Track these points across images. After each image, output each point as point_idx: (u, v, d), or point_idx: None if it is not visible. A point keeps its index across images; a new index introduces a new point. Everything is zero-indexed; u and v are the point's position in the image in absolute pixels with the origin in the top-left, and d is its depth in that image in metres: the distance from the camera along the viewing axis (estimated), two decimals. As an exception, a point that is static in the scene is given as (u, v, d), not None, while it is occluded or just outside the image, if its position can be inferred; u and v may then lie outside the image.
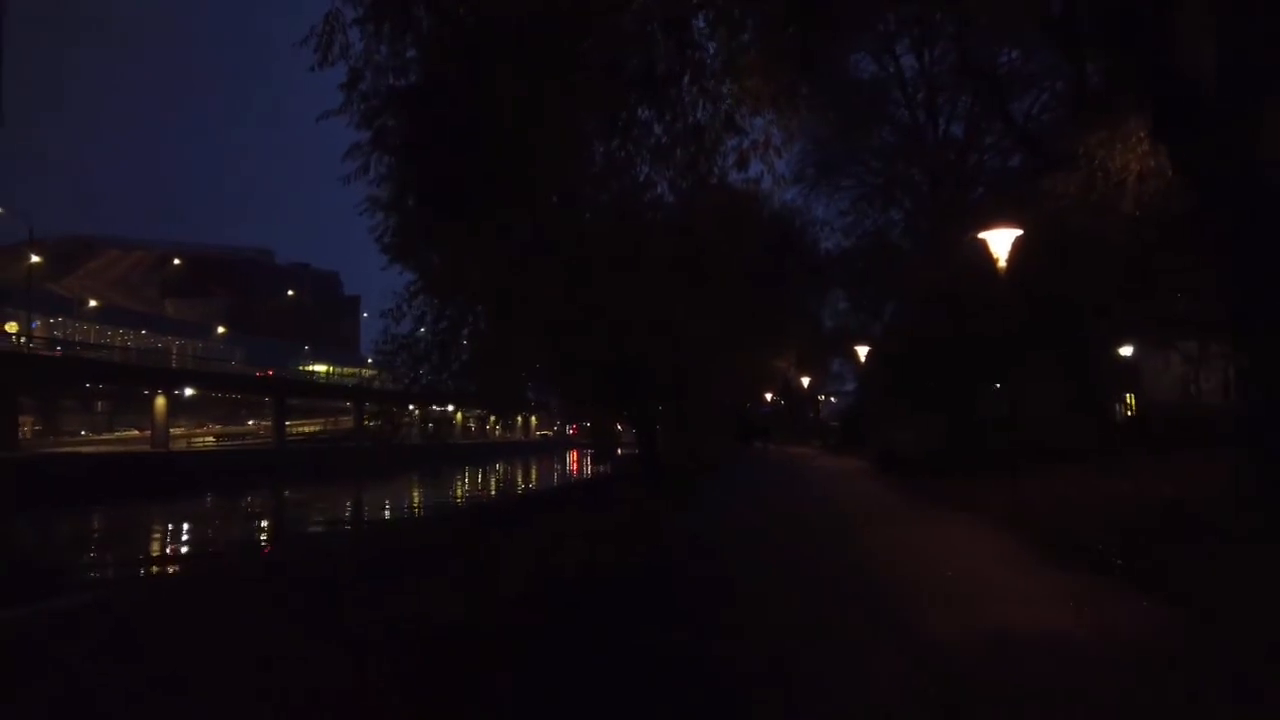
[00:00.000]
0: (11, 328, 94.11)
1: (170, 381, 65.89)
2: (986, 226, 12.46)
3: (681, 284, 17.45)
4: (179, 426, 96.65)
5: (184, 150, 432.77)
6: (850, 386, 57.43)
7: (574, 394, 21.46)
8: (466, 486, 59.69)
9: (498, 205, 11.20)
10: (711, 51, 13.34)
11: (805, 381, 46.34)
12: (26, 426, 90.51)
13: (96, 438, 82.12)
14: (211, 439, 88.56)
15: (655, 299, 15.94)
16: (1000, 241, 11.26)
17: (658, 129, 13.89)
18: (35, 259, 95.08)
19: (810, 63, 15.04)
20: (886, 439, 23.83)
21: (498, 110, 10.53)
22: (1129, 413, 29.63)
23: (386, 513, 43.34)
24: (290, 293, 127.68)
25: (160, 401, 63.77)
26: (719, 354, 22.04)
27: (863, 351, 29.96)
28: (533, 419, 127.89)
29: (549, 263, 13.77)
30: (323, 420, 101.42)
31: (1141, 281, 13.53)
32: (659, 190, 14.63)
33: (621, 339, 15.63)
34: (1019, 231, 11.31)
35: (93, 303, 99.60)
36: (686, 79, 12.72)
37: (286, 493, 51.00)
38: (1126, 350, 25.13)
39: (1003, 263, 11.23)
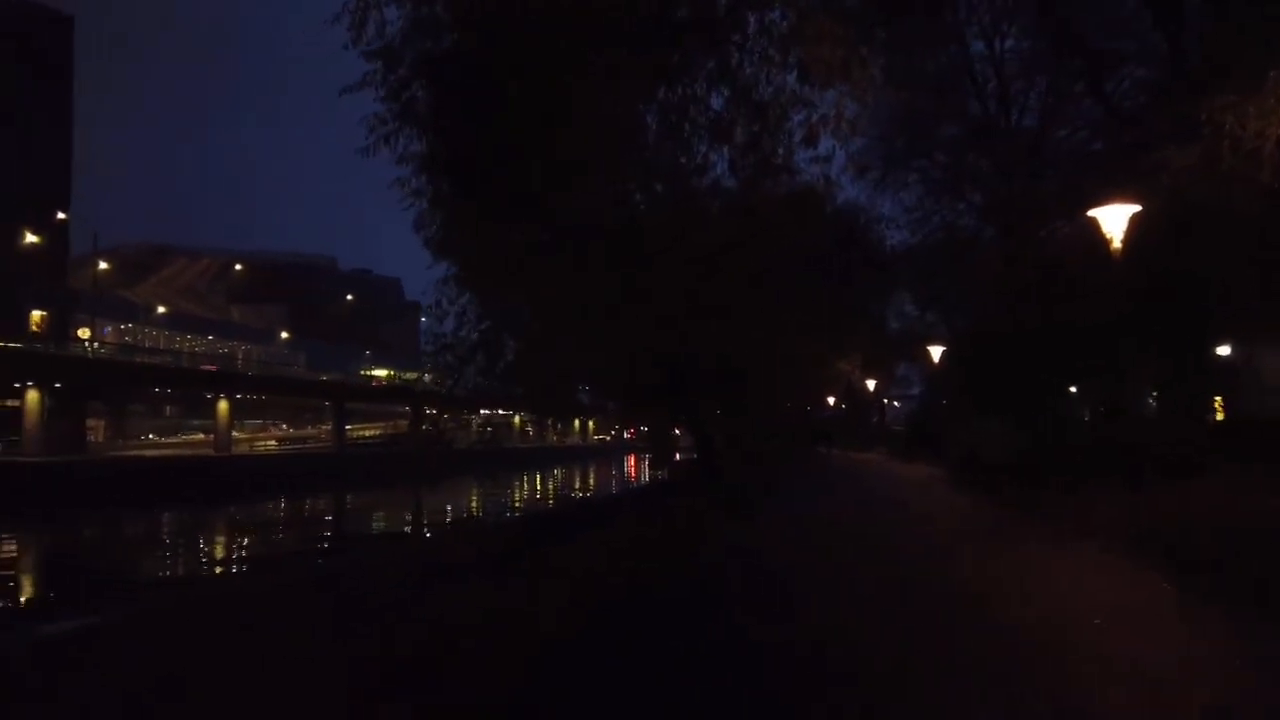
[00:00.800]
0: (83, 333, 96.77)
1: (232, 386, 66.55)
2: (1082, 209, 11.00)
3: (741, 277, 16.07)
4: (244, 430, 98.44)
5: (252, 160, 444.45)
6: (915, 390, 55.44)
7: (626, 395, 20.29)
8: (521, 492, 58.97)
9: (535, 181, 10.06)
10: (777, 16, 12.10)
11: (870, 385, 44.51)
12: (99, 430, 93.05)
13: (162, 441, 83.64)
14: (273, 443, 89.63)
15: (713, 292, 14.60)
16: (1114, 219, 9.77)
17: (716, 103, 12.67)
18: (104, 266, 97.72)
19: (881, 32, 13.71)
20: (962, 444, 22.15)
21: (535, 77, 9.43)
22: (1219, 418, 27.45)
23: (424, 520, 42.64)
24: (349, 297, 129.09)
25: (223, 405, 64.42)
26: (780, 354, 20.59)
27: (935, 351, 28.25)
28: (590, 423, 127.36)
29: (594, 249, 12.56)
30: (382, 424, 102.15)
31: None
32: (717, 171, 13.31)
33: (676, 336, 14.37)
34: (1136, 207, 9.81)
35: (161, 309, 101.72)
36: (748, 44, 11.52)
37: (343, 498, 50.82)
38: (1224, 349, 23.07)
39: (1117, 243, 9.74)
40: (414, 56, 9.95)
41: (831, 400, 52.10)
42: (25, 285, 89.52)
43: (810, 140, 12.54)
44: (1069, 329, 16.66)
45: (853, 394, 50.06)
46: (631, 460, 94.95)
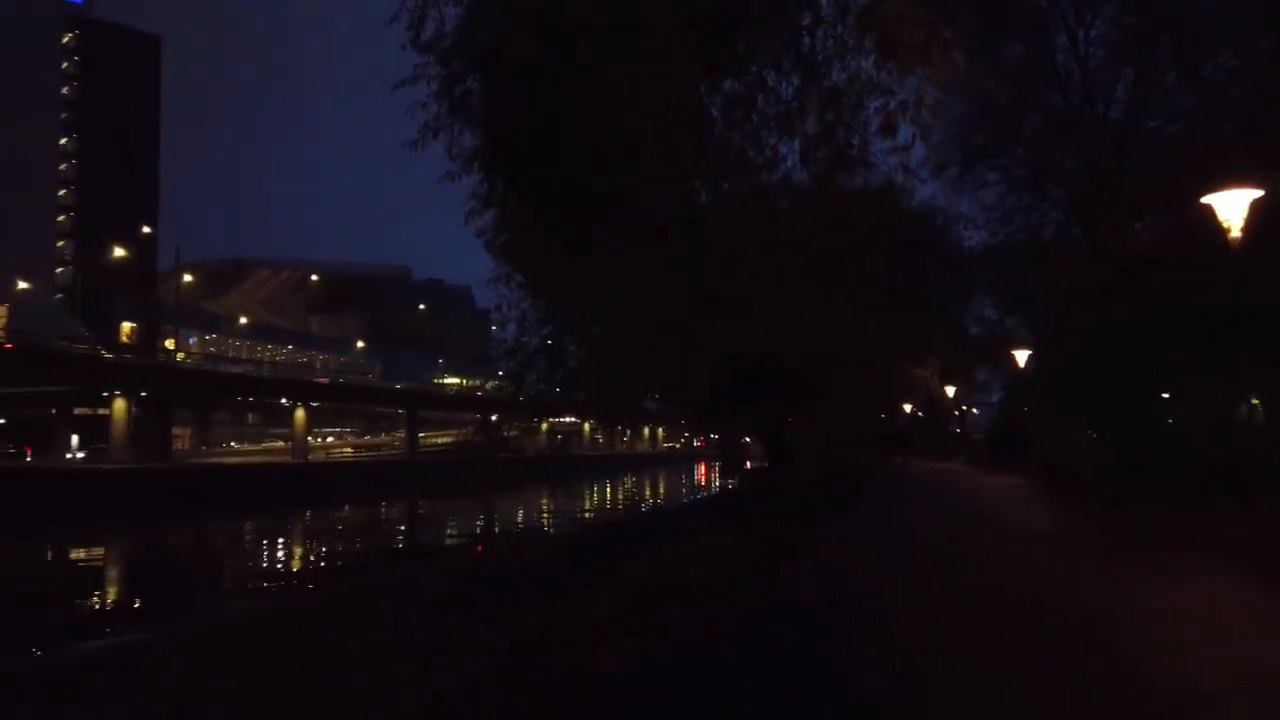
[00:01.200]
0: (169, 344, 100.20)
1: (308, 395, 67.87)
2: (1179, 201, 10.03)
3: (814, 277, 15.27)
4: (321, 438, 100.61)
5: (330, 175, 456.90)
6: (996, 397, 53.42)
7: (693, 402, 19.61)
8: (591, 500, 58.71)
9: (591, 176, 9.52)
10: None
11: (950, 391, 42.97)
12: (185, 438, 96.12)
13: (244, 449, 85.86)
14: (349, 450, 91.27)
15: (783, 293, 13.83)
16: (1232, 205, 8.78)
17: (786, 91, 11.98)
18: (189, 279, 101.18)
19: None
20: (1051, 453, 20.90)
21: (591, 65, 8.91)
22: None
23: (494, 528, 42.52)
24: (421, 306, 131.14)
25: (299, 414, 65.69)
26: (855, 359, 19.66)
27: (1021, 356, 26.93)
28: (659, 430, 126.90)
29: (656, 247, 11.94)
30: (454, 432, 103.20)
31: None
32: (788, 164, 12.56)
33: (744, 339, 13.65)
34: (1257, 192, 8.81)
35: (243, 320, 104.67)
36: (820, 26, 10.84)
37: (409, 504, 51.22)
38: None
39: (1236, 230, 8.74)
40: (468, 48, 9.50)
41: (908, 407, 50.55)
42: (117, 298, 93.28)
43: (888, 129, 11.74)
44: (1168, 328, 15.43)
45: (931, 401, 48.50)
46: (702, 468, 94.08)
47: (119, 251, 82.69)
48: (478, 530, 40.96)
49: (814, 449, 28.66)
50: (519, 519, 45.87)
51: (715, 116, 12.68)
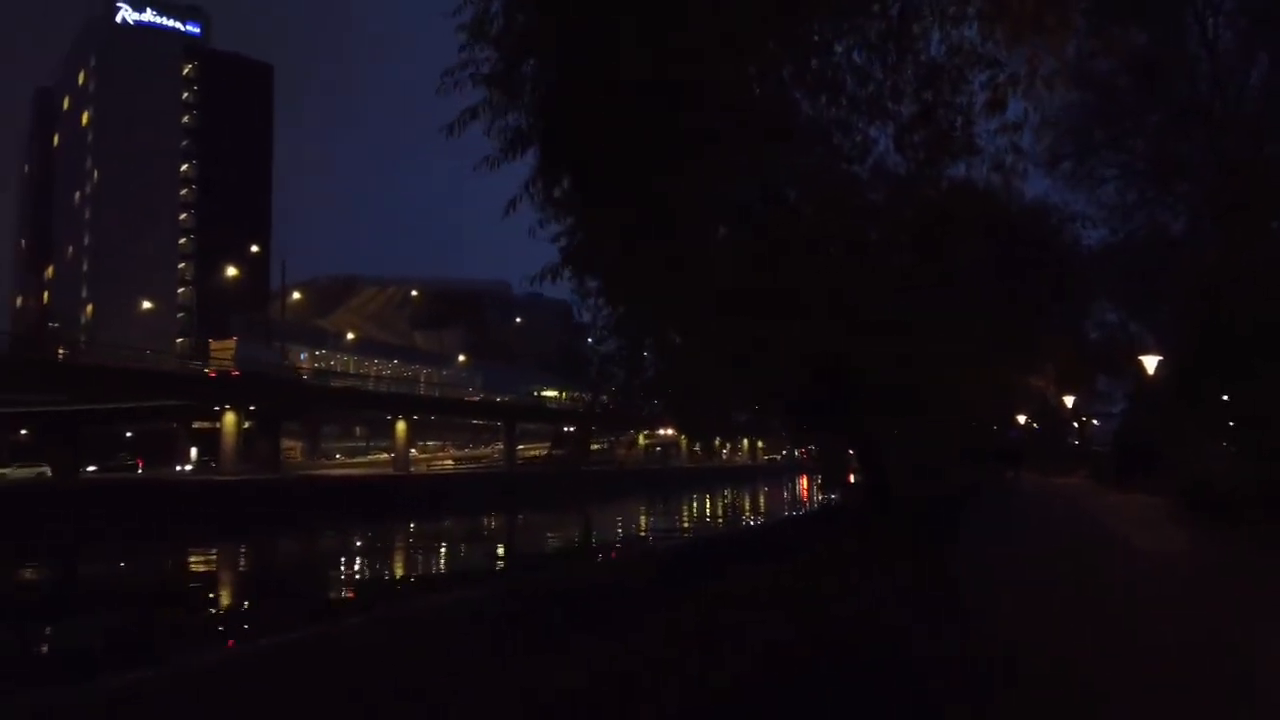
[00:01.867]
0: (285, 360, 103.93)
1: (409, 408, 68.98)
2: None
3: (914, 277, 13.97)
4: (424, 451, 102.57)
5: (434, 194, 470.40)
6: (1118, 407, 50.05)
7: (785, 412, 18.41)
8: (689, 514, 57.64)
9: (665, 168, 8.58)
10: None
11: (1068, 401, 40.29)
12: (296, 451, 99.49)
13: (349, 461, 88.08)
14: (450, 462, 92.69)
15: (879, 294, 12.58)
16: None
17: (877, 71, 10.84)
18: (300, 297, 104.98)
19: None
20: (1189, 469, 18.80)
21: (657, 41, 8.01)
22: None
23: (591, 542, 41.83)
24: (518, 320, 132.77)
25: (400, 426, 66.78)
26: (962, 366, 18.04)
27: (1150, 362, 24.70)
28: (758, 442, 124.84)
29: (736, 245, 10.92)
30: (552, 444, 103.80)
31: None
32: (880, 148, 11.39)
33: (836, 343, 12.45)
34: None
35: (350, 336, 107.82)
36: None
37: (513, 517, 51.15)
38: None
39: None
40: (521, 30, 8.68)
41: (1022, 419, 47.80)
42: (232, 317, 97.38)
43: (996, 105, 10.48)
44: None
45: (1047, 411, 45.69)
46: (803, 481, 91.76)
47: (234, 272, 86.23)
48: (565, 545, 40.44)
49: (917, 463, 26.97)
50: (606, 534, 45.15)
51: (799, 100, 11.60)
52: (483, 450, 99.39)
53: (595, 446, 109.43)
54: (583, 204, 9.99)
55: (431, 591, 23.66)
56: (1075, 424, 48.47)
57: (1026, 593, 9.36)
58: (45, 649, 18.26)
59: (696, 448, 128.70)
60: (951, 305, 14.43)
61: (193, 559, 33.35)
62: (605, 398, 15.29)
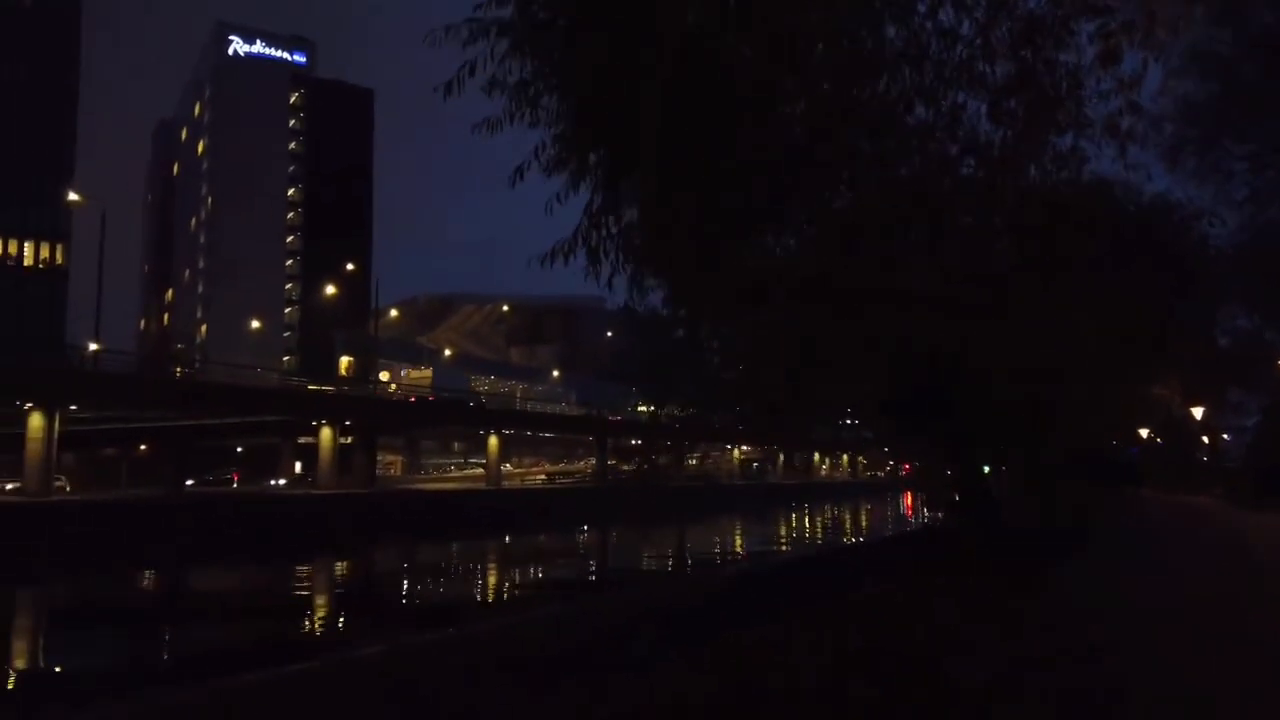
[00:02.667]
0: (384, 376, 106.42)
1: (500, 422, 69.14)
2: None
3: (1017, 270, 12.38)
4: (520, 465, 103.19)
5: (529, 211, 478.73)
6: (1253, 420, 45.99)
7: (879, 422, 16.90)
8: (785, 530, 55.73)
9: (722, 148, 7.44)
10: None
11: (1196, 413, 36.96)
12: (397, 465, 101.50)
13: (444, 475, 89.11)
14: (543, 476, 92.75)
15: (977, 288, 11.06)
16: None
17: (966, 30, 9.38)
18: (400, 315, 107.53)
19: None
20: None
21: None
22: None
23: (686, 558, 40.48)
24: (609, 334, 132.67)
25: (493, 441, 66.88)
26: (1076, 372, 16.12)
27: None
28: (860, 458, 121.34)
29: (806, 235, 9.62)
30: (651, 459, 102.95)
31: None
32: (968, 112, 9.89)
33: (931, 344, 10.98)
34: None
35: (447, 352, 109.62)
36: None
37: (604, 531, 50.32)
38: None
39: None
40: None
41: (1145, 432, 44.30)
42: (335, 335, 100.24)
43: (1109, 58, 8.87)
44: None
45: (1172, 425, 42.19)
46: (907, 499, 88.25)
47: (338, 291, 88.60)
48: (664, 560, 39.25)
49: (1027, 480, 24.84)
50: (693, 551, 43.75)
51: (878, 66, 10.22)
52: (576, 465, 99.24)
53: (691, 461, 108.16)
54: (649, 186, 8.72)
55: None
56: (1204, 438, 44.64)
57: (1165, 620, 7.56)
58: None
59: (794, 463, 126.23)
60: (1060, 299, 12.71)
61: (278, 573, 33.57)
62: (677, 410, 14.17)
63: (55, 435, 42.04)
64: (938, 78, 9.75)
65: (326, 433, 56.15)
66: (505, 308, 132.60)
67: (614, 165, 7.80)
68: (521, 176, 7.20)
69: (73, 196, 71.25)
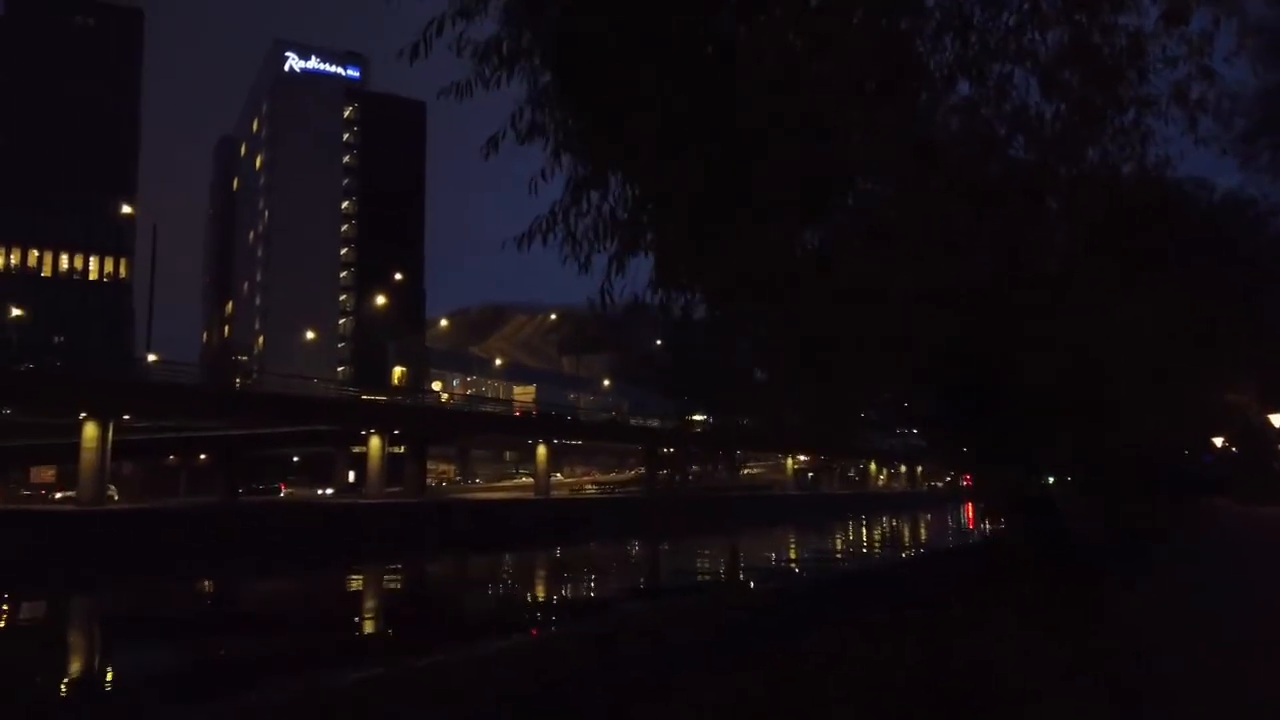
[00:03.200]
0: (436, 385, 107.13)
1: (548, 431, 68.73)
2: None
3: (1087, 266, 11.38)
4: (573, 474, 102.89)
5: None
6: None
7: (924, 426, 15.84)
8: (840, 542, 54.26)
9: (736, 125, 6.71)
10: None
11: (1276, 421, 34.81)
12: (449, 474, 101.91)
13: (494, 485, 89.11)
14: (592, 487, 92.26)
15: (1025, 276, 10.13)
16: None
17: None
18: (452, 325, 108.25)
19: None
20: None
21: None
22: None
23: (738, 571, 39.41)
24: (658, 343, 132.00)
25: (541, 450, 66.50)
26: (1142, 376, 14.88)
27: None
28: (918, 467, 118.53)
29: (835, 221, 8.78)
30: (697, 468, 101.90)
31: None
32: (1017, 94, 8.97)
33: (978, 338, 10.05)
34: None
35: (498, 361, 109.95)
36: None
37: (653, 542, 49.48)
38: None
39: None
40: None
41: (1220, 441, 42.04)
42: (388, 346, 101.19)
43: (1174, 17, 7.91)
44: None
45: (1249, 432, 39.91)
46: (969, 509, 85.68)
47: (391, 302, 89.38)
48: (711, 573, 38.28)
49: (1092, 489, 23.44)
50: (731, 564, 42.66)
51: (915, 39, 9.32)
52: (627, 474, 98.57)
53: (747, 471, 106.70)
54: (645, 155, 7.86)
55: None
56: (1286, 446, 42.20)
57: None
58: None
59: (851, 473, 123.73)
60: (1121, 295, 11.58)
61: (325, 581, 33.47)
62: (704, 416, 13.31)
63: (109, 445, 42.66)
64: (983, 49, 8.84)
65: (375, 442, 56.29)
66: (554, 317, 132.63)
67: (601, 131, 7.00)
68: (496, 147, 6.45)
69: (125, 209, 72.90)
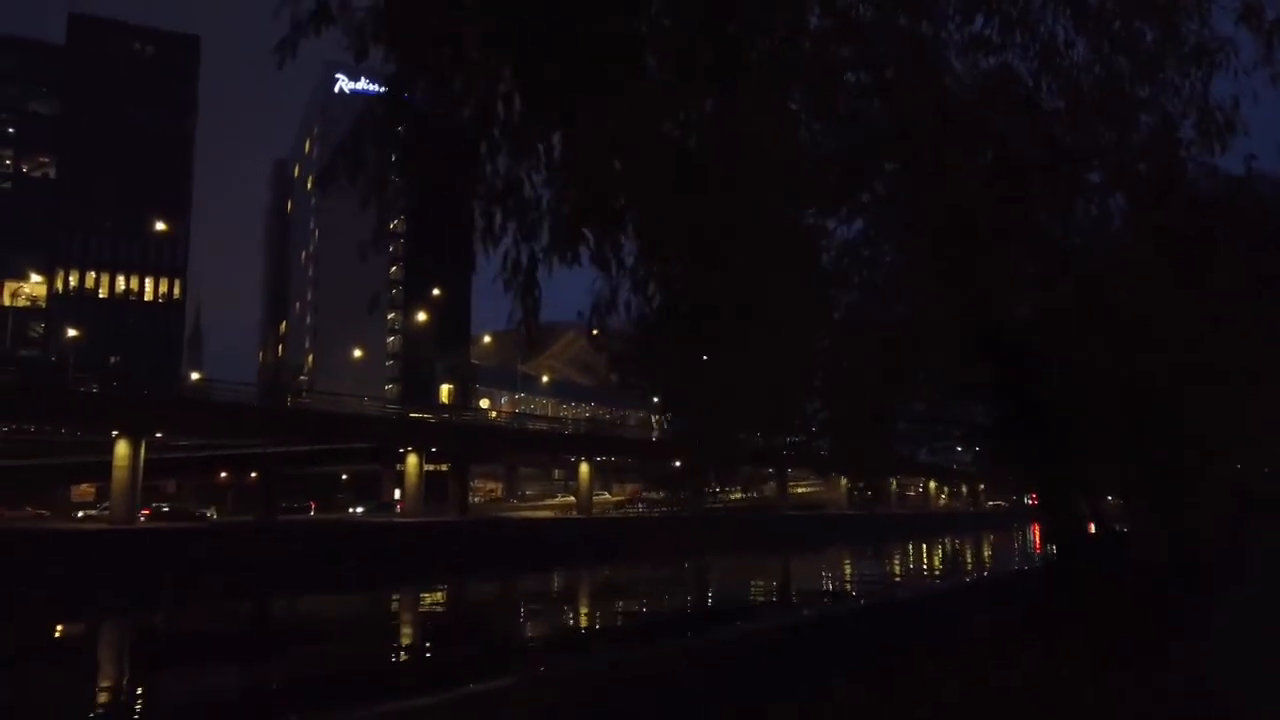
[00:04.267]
0: (484, 403, 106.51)
1: (590, 449, 67.27)
2: None
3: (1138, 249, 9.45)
4: (622, 492, 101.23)
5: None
6: None
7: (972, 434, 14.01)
8: (900, 564, 51.87)
9: None
10: None
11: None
12: (497, 491, 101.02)
13: (537, 503, 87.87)
14: (639, 505, 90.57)
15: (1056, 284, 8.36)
16: None
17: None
18: (499, 343, 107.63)
19: None
20: None
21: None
22: None
23: (790, 593, 37.38)
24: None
25: (584, 468, 65.16)
26: (1222, 380, 12.76)
27: None
28: (980, 485, 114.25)
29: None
30: (747, 487, 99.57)
31: None
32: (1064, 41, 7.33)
33: (1018, 342, 8.34)
34: None
35: (545, 379, 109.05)
36: None
37: (700, 562, 47.70)
38: None
39: None
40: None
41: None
42: (436, 363, 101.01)
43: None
44: None
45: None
46: (1035, 531, 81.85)
47: (438, 320, 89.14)
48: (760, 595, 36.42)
49: (1160, 507, 21.03)
50: (823, 582, 40.66)
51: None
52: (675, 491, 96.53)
53: (802, 490, 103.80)
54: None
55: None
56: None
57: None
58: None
59: (908, 492, 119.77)
60: (1189, 296, 9.56)
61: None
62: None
63: (140, 463, 42.30)
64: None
65: (413, 459, 55.43)
66: (595, 333, 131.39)
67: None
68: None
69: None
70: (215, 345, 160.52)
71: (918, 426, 15.40)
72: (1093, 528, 15.38)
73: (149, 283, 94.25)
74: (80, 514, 48.86)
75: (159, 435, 45.50)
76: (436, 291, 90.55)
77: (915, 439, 19.13)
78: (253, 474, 77.01)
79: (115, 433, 41.74)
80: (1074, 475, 13.81)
